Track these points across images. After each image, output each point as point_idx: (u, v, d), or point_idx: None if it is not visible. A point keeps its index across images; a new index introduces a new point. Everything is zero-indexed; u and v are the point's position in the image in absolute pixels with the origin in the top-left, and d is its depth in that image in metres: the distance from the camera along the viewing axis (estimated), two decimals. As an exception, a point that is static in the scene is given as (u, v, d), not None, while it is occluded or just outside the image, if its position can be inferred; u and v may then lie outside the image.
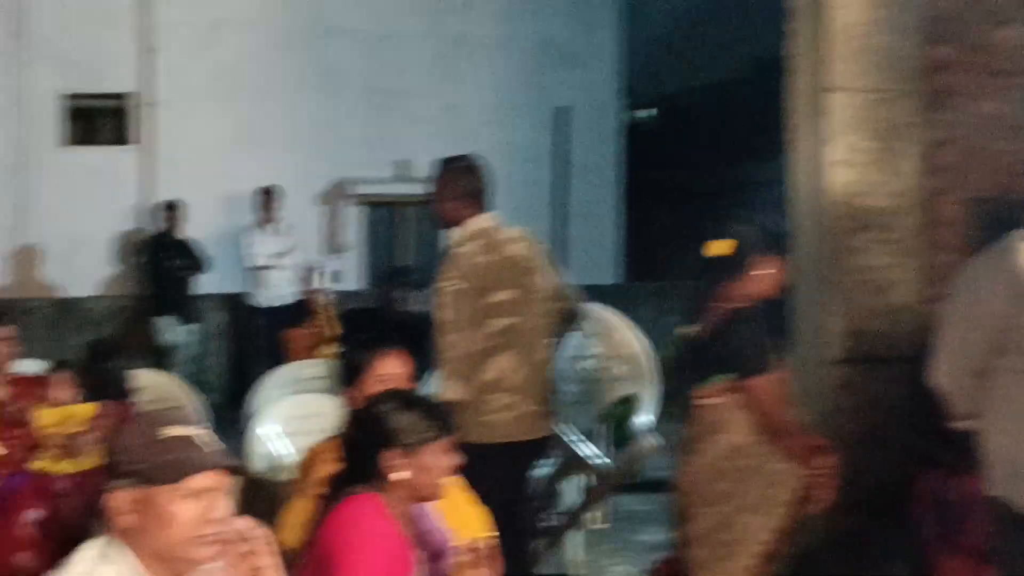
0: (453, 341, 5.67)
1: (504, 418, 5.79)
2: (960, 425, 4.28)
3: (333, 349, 9.04)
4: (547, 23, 16.68)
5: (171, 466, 2.83)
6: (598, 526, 7.14)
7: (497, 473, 5.78)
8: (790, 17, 6.11)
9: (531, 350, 5.90)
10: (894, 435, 5.86)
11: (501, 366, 5.79)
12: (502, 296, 5.82)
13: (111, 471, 2.89)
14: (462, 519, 4.19)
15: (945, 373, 4.22)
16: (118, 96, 15.39)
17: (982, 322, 4.08)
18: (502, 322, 5.79)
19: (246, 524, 2.88)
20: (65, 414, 6.21)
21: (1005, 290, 4.02)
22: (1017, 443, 4.04)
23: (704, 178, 23.70)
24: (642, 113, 24.70)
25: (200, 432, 2.92)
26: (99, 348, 6.65)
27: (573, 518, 7.15)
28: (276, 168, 14.74)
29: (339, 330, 10.03)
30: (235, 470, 2.94)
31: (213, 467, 2.87)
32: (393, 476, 3.66)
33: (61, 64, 14.84)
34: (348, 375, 4.56)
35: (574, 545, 7.20)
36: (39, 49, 14.75)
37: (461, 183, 5.94)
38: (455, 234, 5.89)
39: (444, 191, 5.96)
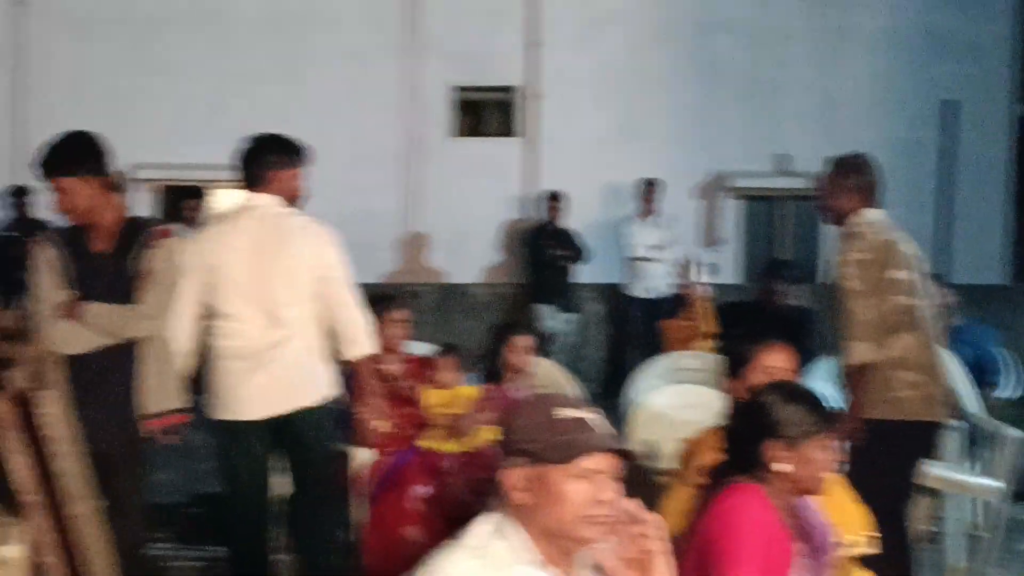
0: (860, 307, 5.79)
1: (911, 396, 5.85)
2: None
3: (709, 342, 9.06)
4: (935, 13, 16.12)
5: (565, 446, 2.88)
6: (980, 533, 6.87)
7: (897, 451, 5.80)
8: None
9: (931, 334, 5.94)
10: None
11: (906, 344, 5.84)
12: (901, 275, 5.87)
13: (505, 449, 2.96)
14: (843, 516, 4.14)
15: None
16: (504, 89, 15.78)
17: None
18: (902, 300, 5.84)
19: (636, 507, 2.89)
20: (451, 396, 6.43)
21: None
22: None
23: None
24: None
25: (592, 415, 2.97)
26: (494, 333, 6.84)
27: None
28: (655, 160, 14.80)
29: (715, 324, 10.00)
30: (624, 454, 2.97)
31: (605, 449, 2.91)
32: (775, 467, 3.65)
33: (451, 58, 15.33)
34: (732, 366, 4.56)
35: (955, 551, 6.99)
36: (431, 44, 15.28)
37: (852, 180, 6.01)
38: (851, 219, 5.98)
39: (836, 187, 6.03)
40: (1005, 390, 8.93)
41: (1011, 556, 7.45)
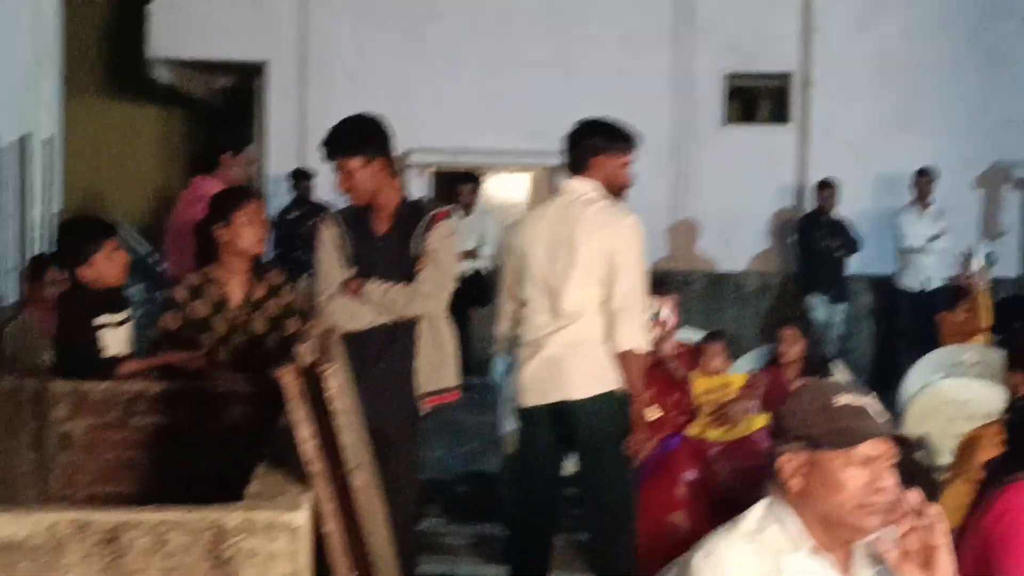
0: None
1: None
2: None
3: (988, 336, 8.79)
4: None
5: (843, 432, 2.86)
6: None
7: None
8: None
9: None
10: None
11: None
12: None
13: (781, 435, 2.95)
14: None
15: None
16: (778, 76, 15.63)
17: None
18: None
19: (919, 499, 2.84)
20: (720, 383, 6.42)
21: None
22: None
23: None
24: None
25: (871, 402, 2.93)
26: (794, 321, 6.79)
27: None
28: (932, 149, 14.44)
29: (994, 317, 9.71)
30: (904, 442, 2.93)
31: (884, 436, 2.87)
32: None
33: (724, 44, 15.27)
34: (1013, 360, 4.43)
35: None
36: (704, 30, 15.24)
37: None
38: None
39: None
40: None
41: None
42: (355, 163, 5.43)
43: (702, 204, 15.23)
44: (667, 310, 6.65)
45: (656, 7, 15.31)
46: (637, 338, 5.58)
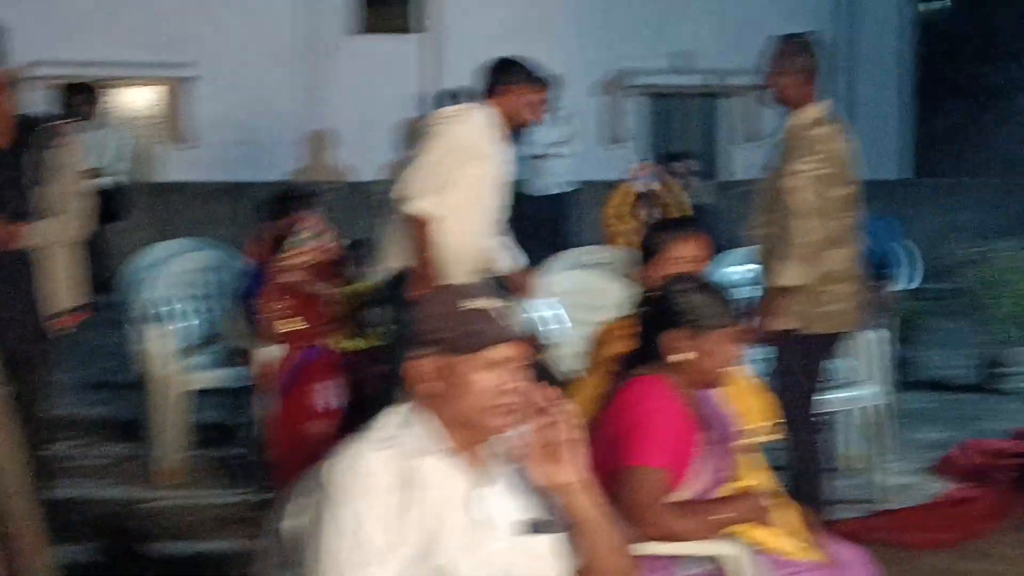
0: (806, 227, 5.56)
1: (841, 308, 5.77)
2: None
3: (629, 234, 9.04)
4: None
5: (472, 336, 2.89)
6: (876, 422, 7.02)
7: (818, 360, 5.85)
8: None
9: (857, 243, 5.86)
10: None
11: (844, 256, 5.75)
12: (852, 188, 5.77)
13: (413, 340, 2.97)
14: (748, 408, 4.20)
15: None
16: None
17: None
18: (848, 215, 5.75)
19: (548, 395, 2.92)
20: (355, 290, 6.41)
21: None
22: None
23: (1000, 73, 22.81)
24: (935, 4, 23.86)
25: (499, 305, 2.99)
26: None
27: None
28: (557, 57, 14.72)
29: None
30: (533, 343, 3.00)
31: (512, 339, 2.92)
32: (677, 357, 3.69)
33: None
34: (645, 256, 4.60)
35: (851, 440, 7.13)
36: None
37: (801, 60, 5.77)
38: (801, 116, 5.74)
39: (785, 68, 5.75)
40: (901, 282, 9.12)
41: (911, 443, 7.62)
42: None
43: (334, 114, 15.17)
44: (310, 226, 6.57)
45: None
46: None
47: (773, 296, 5.63)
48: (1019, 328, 9.09)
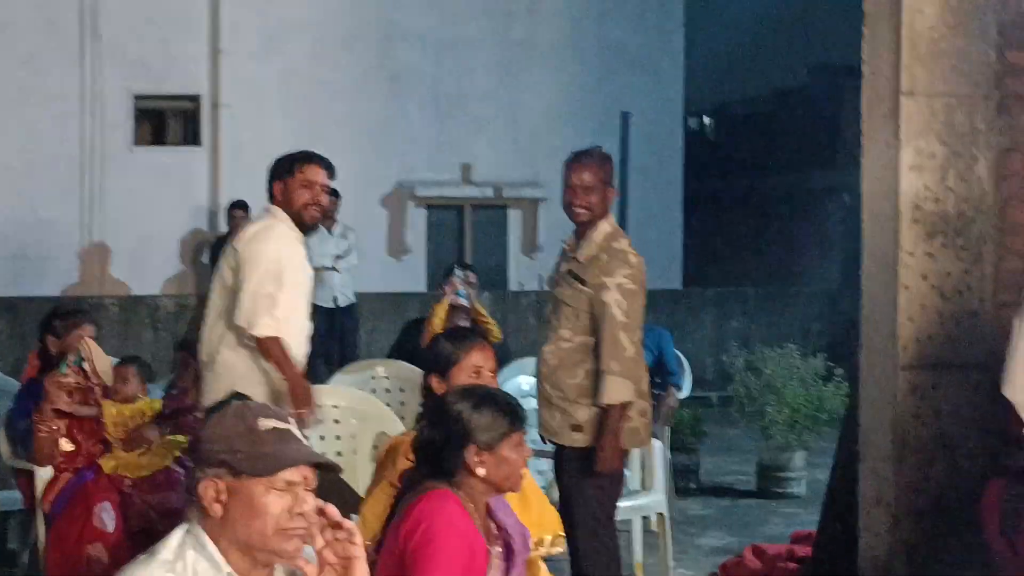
0: (627, 342, 5.55)
1: (642, 423, 5.77)
2: None
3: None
4: (614, 28, 16.68)
5: (266, 457, 2.83)
6: (659, 529, 7.08)
7: (619, 476, 5.86)
8: (864, 21, 6.06)
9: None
10: (963, 441, 5.79)
11: (643, 372, 5.77)
12: (644, 300, 5.79)
13: (201, 459, 2.89)
14: (533, 515, 4.18)
15: (1020, 382, 4.17)
16: (188, 97, 15.55)
17: None
18: (639, 331, 5.75)
19: (334, 513, 2.86)
20: (133, 410, 6.24)
21: None
22: None
23: (761, 186, 23.69)
24: (701, 120, 24.70)
25: (294, 426, 2.92)
26: (190, 345, 6.69)
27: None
28: (340, 169, 14.73)
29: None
30: (327, 467, 2.95)
31: (307, 462, 2.87)
32: (473, 472, 3.67)
33: (132, 65, 15.02)
34: (428, 364, 4.59)
35: (635, 547, 7.16)
36: (112, 51, 14.93)
37: (603, 174, 5.78)
38: (603, 228, 5.75)
39: (591, 182, 5.72)
40: (684, 390, 9.24)
41: (693, 549, 7.68)
42: None
43: (113, 227, 14.91)
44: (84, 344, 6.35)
45: (62, 25, 14.85)
46: None
47: (609, 416, 5.54)
48: (795, 433, 9.25)
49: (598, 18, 16.70)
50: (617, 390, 5.51)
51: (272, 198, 6.16)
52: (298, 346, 6.09)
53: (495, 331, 8.27)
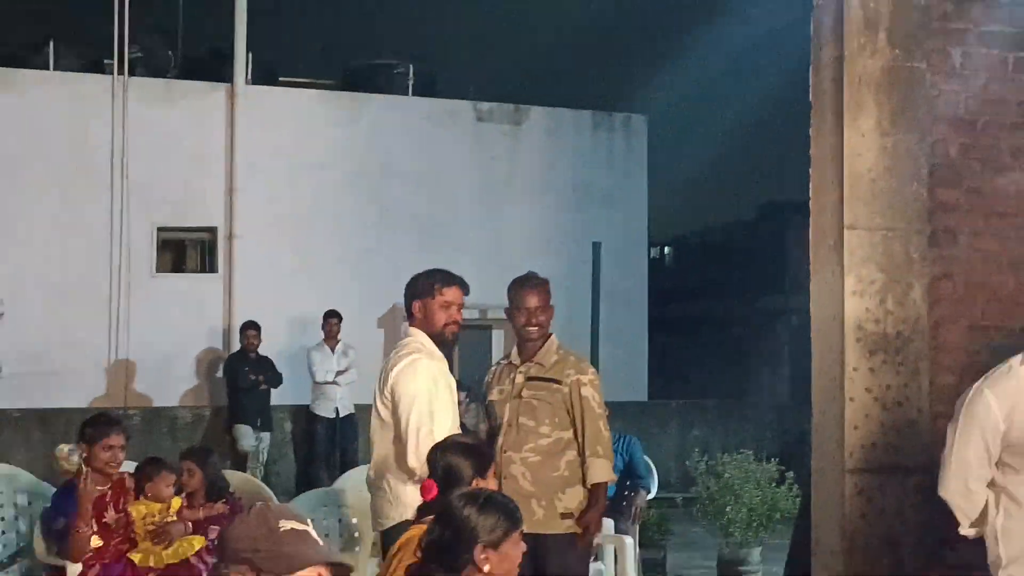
0: (605, 428, 5.75)
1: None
2: (968, 532, 4.20)
3: None
4: (585, 169, 16.87)
5: (286, 557, 2.81)
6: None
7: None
8: (811, 164, 6.14)
9: None
10: (906, 539, 5.77)
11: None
12: None
13: (227, 557, 2.86)
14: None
15: (953, 485, 4.17)
16: (205, 229, 15.62)
17: (985, 439, 4.04)
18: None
19: None
20: (160, 507, 6.19)
21: (1003, 410, 4.01)
22: (1016, 544, 3.98)
23: (718, 309, 23.81)
24: (662, 250, 24.88)
25: (310, 529, 2.90)
26: (194, 453, 6.64)
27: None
28: (340, 294, 14.82)
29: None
30: (340, 567, 2.92)
31: (322, 562, 2.84)
32: (480, 568, 3.65)
33: (156, 200, 15.11)
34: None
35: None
36: (137, 187, 15.00)
37: (548, 293, 5.95)
38: (554, 340, 5.90)
39: (544, 303, 5.90)
40: (651, 492, 9.20)
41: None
42: None
43: (137, 345, 14.89)
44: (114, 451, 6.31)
45: (94, 164, 14.96)
46: None
47: (597, 493, 5.71)
48: (752, 531, 9.23)
49: (571, 160, 16.90)
50: (603, 470, 5.68)
51: (411, 317, 5.68)
52: None
53: None
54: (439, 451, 4.63)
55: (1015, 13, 6.17)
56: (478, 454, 4.59)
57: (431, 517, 4.21)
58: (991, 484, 4.07)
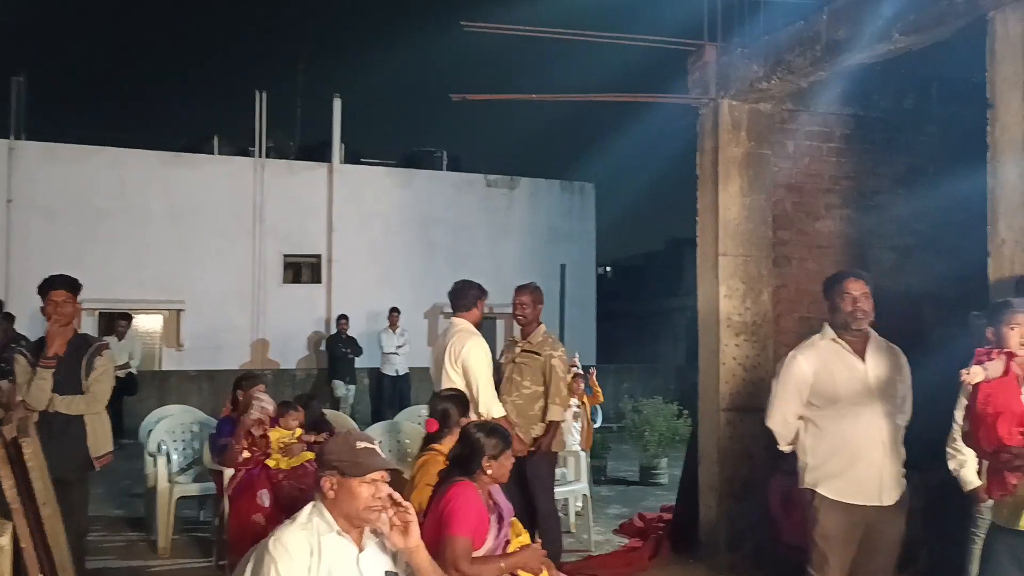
0: (563, 387, 5.58)
1: (563, 436, 5.86)
2: (785, 449, 4.17)
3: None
4: (556, 217, 16.87)
5: (359, 465, 2.80)
6: (584, 504, 6.99)
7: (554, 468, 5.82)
8: (698, 213, 6.14)
9: None
10: (757, 453, 5.78)
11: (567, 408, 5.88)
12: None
13: (322, 464, 2.85)
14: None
15: (775, 419, 4.11)
16: (314, 255, 15.59)
17: (799, 386, 4.00)
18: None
19: (398, 497, 2.83)
20: (289, 433, 6.14)
21: (811, 368, 3.97)
22: (818, 455, 3.97)
23: (639, 307, 23.74)
24: (605, 269, 24.81)
25: (376, 445, 2.91)
26: (302, 399, 6.58)
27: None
28: (400, 296, 14.82)
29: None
30: (396, 471, 2.92)
31: (383, 468, 2.85)
32: (485, 471, 3.64)
33: (282, 236, 15.09)
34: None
35: (571, 515, 7.07)
36: (271, 227, 15.01)
37: (536, 296, 5.76)
38: (541, 328, 5.68)
39: (536, 303, 5.72)
40: (597, 423, 9.16)
41: (604, 516, 7.57)
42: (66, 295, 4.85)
43: (270, 329, 14.90)
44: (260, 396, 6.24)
45: (240, 211, 14.97)
46: None
47: (551, 427, 5.54)
48: (661, 447, 9.20)
49: (546, 212, 16.90)
50: (558, 413, 5.54)
51: (462, 310, 5.56)
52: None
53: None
54: (436, 399, 4.59)
55: (828, 119, 6.20)
56: (462, 401, 4.57)
57: (434, 445, 4.18)
58: (801, 417, 4.01)
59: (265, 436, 5.82)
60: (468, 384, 5.26)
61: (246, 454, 5.72)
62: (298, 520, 2.81)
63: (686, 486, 6.38)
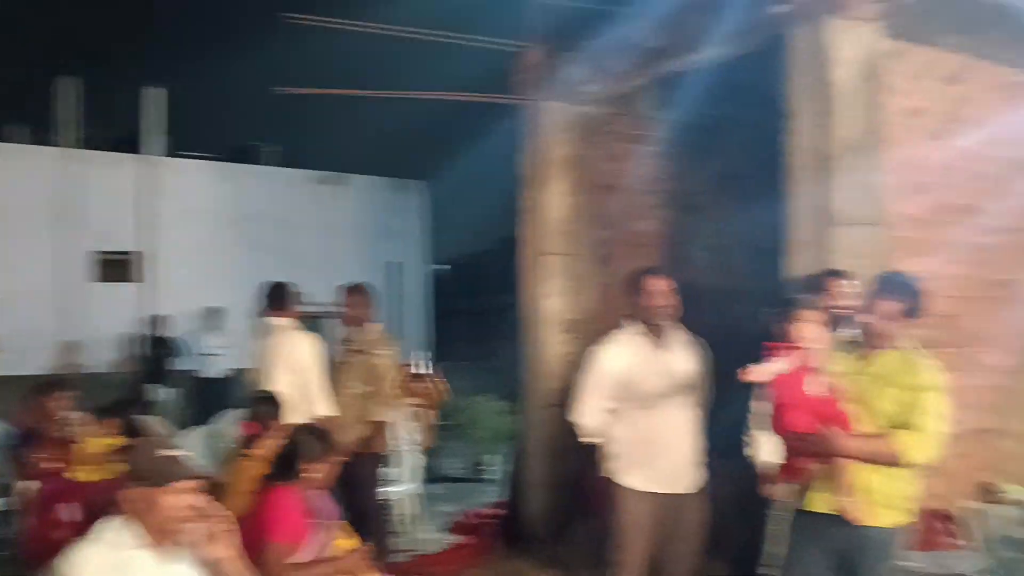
0: (391, 387, 5.54)
1: (389, 437, 5.78)
2: (589, 441, 4.29)
3: None
4: (392, 217, 16.81)
5: (162, 474, 2.72)
6: (414, 503, 6.98)
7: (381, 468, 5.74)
8: (525, 215, 6.25)
9: None
10: (572, 445, 5.93)
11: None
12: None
13: (129, 475, 2.74)
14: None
15: (577, 412, 4.22)
16: (132, 253, 14.86)
17: (604, 379, 4.13)
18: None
19: (210, 504, 2.75)
20: (102, 443, 5.81)
21: (614, 361, 4.06)
22: (620, 446, 4.11)
23: (473, 304, 23.99)
24: (442, 267, 24.89)
25: (180, 453, 2.81)
26: (119, 404, 6.24)
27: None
28: (228, 297, 14.34)
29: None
30: (202, 477, 2.84)
31: (190, 476, 2.77)
32: (308, 475, 3.60)
33: (97, 233, 14.32)
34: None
35: (400, 515, 7.05)
36: (81, 223, 14.20)
37: (366, 296, 5.67)
38: (374, 326, 5.60)
39: (362, 303, 5.62)
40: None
41: (436, 514, 7.59)
42: None
43: (80, 330, 14.09)
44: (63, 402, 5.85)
45: (40, 205, 14.10)
46: None
47: (376, 428, 5.48)
48: (491, 444, 9.31)
49: (377, 209, 16.79)
50: (382, 413, 5.48)
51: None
52: None
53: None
54: (251, 402, 4.53)
55: (649, 123, 6.44)
56: (276, 403, 4.52)
57: (247, 449, 4.10)
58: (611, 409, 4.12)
59: (67, 446, 5.50)
60: (302, 383, 5.16)
61: (47, 465, 5.38)
62: (93, 535, 2.72)
63: (515, 482, 6.46)
